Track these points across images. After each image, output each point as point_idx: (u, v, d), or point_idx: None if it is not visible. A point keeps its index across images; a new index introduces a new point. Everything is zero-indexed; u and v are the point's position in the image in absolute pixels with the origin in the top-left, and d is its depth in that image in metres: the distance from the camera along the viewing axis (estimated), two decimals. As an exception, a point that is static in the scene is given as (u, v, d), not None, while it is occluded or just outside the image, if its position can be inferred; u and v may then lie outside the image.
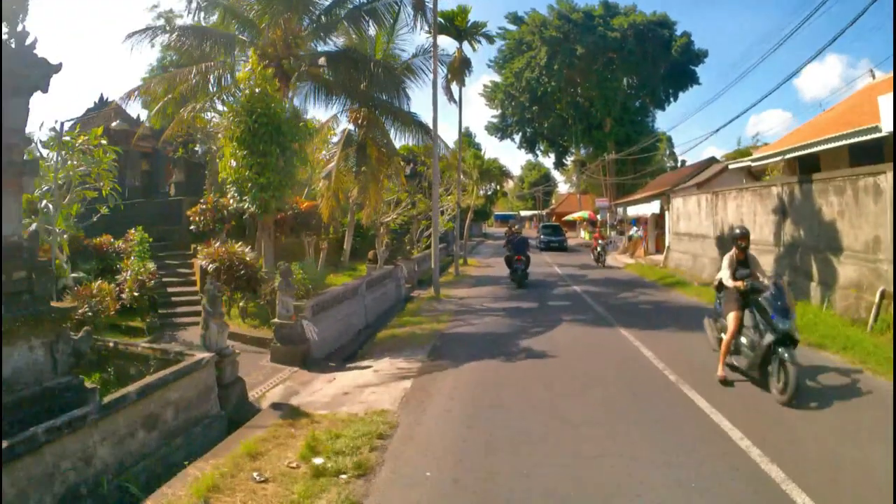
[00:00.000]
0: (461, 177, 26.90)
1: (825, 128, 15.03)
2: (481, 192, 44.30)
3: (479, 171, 28.41)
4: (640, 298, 15.30)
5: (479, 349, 9.34)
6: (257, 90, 10.83)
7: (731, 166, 24.90)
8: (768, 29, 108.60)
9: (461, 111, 21.97)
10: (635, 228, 29.41)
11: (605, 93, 48.63)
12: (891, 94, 10.75)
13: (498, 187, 36.29)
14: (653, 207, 26.68)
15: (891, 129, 10.58)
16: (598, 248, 25.48)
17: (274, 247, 12.47)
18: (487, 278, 21.66)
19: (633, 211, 32.04)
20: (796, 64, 61.64)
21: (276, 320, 8.93)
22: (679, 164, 52.35)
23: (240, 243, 12.26)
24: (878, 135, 11.47)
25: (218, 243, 13.24)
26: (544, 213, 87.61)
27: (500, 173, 30.25)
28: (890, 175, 9.94)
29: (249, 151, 10.67)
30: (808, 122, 19.93)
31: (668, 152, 59.70)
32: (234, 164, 10.87)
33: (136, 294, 11.96)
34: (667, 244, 23.78)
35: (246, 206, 10.93)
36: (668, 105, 54.70)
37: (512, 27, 51.84)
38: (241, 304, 11.39)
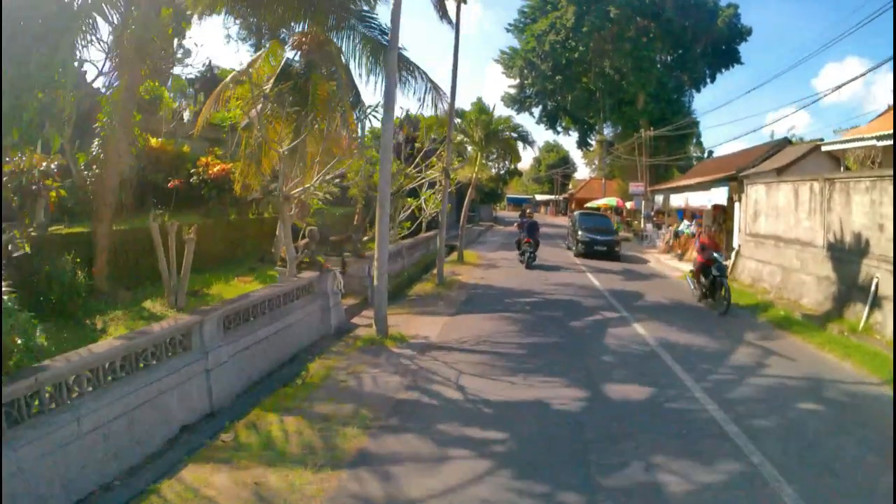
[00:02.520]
0: (458, 140, 19.98)
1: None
2: (493, 169, 37.75)
3: (485, 132, 20.37)
4: (777, 373, 7.96)
5: None
6: None
7: (824, 148, 18.72)
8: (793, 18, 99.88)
9: (458, 36, 15.19)
10: (686, 223, 23.00)
11: (639, 64, 41.91)
12: None
13: (511, 165, 29.36)
14: (713, 196, 20.32)
15: None
16: (714, 271, 12.63)
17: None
18: (489, 292, 13.98)
19: (677, 200, 25.62)
20: (816, 58, 56.23)
21: None
22: (706, 156, 46.59)
23: None
24: None
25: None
26: (561, 197, 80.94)
27: (513, 136, 22.39)
28: None
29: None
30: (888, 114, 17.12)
31: (694, 141, 53.57)
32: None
33: None
34: (734, 248, 17.46)
35: None
36: (704, 86, 48.35)
37: (536, -15, 45.03)
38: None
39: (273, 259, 12.80)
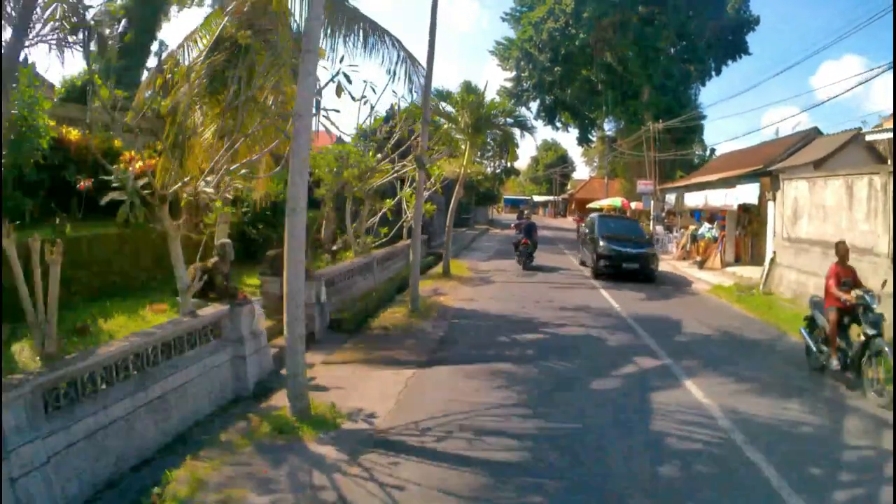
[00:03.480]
0: (444, 127, 16.69)
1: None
2: (488, 168, 35.06)
3: (475, 118, 16.84)
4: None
5: None
6: None
7: (868, 137, 16.40)
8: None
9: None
10: (707, 225, 20.51)
11: (644, 52, 39.50)
12: None
13: (507, 162, 26.53)
14: (739, 194, 17.82)
15: None
16: (866, 327, 6.95)
17: None
18: (477, 324, 10.77)
19: (693, 199, 23.08)
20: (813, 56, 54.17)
21: None
22: (709, 153, 44.36)
23: None
24: None
25: None
26: (560, 198, 78.34)
27: (509, 122, 19.32)
28: None
29: None
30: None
31: (696, 138, 51.25)
32: None
33: None
34: (769, 255, 14.94)
35: None
36: (710, 79, 45.92)
37: (534, -30, 42.55)
38: None
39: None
